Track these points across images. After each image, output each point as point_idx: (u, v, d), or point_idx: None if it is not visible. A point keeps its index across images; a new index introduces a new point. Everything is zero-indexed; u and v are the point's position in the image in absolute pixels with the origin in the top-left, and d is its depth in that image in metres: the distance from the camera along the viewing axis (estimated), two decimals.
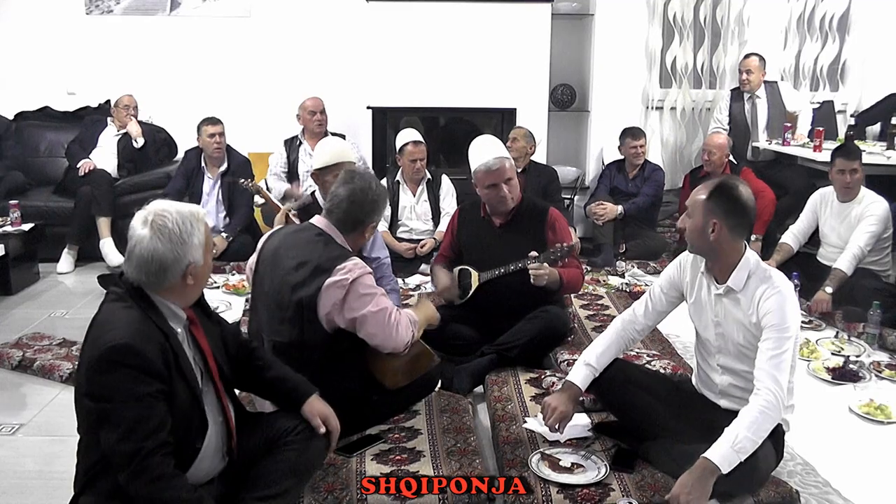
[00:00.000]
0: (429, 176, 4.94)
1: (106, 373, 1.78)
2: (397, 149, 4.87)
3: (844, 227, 4.15)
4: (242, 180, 4.78)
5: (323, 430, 2.15)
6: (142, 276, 1.88)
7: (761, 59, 5.52)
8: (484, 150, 3.37)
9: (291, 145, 5.33)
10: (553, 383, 3.01)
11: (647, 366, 3.12)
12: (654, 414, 2.52)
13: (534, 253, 3.19)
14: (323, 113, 5.30)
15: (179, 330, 1.96)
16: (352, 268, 2.47)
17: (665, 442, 2.43)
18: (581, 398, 2.69)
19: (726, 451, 2.14)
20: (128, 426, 1.76)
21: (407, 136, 4.83)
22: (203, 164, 5.14)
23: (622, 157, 5.51)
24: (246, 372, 2.24)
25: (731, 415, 2.27)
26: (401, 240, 4.88)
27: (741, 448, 2.14)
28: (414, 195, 4.93)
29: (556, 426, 2.49)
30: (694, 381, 2.69)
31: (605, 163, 5.76)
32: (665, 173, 5.64)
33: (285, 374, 2.26)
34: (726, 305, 2.43)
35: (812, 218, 4.37)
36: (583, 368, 2.57)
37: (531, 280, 3.18)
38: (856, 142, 4.92)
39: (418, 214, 4.94)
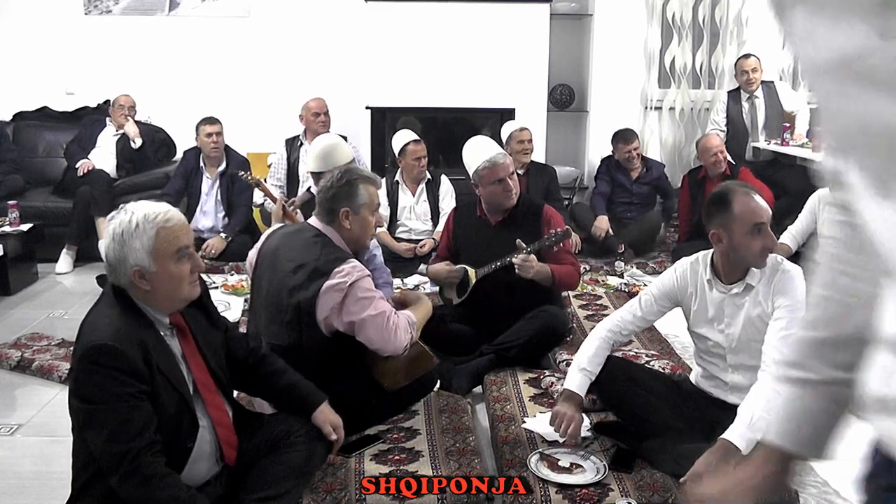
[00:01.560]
0: (429, 176, 4.94)
1: (88, 373, 1.79)
2: (397, 151, 4.86)
3: None
4: (241, 172, 4.79)
5: (333, 437, 2.19)
6: (109, 273, 1.92)
7: (758, 59, 5.53)
8: (483, 149, 3.37)
9: (292, 145, 5.33)
10: (552, 383, 3.01)
11: (645, 366, 3.12)
12: (655, 412, 2.51)
13: (520, 243, 3.18)
14: (326, 114, 5.30)
15: (164, 332, 1.96)
16: (350, 271, 2.46)
17: (665, 441, 2.42)
18: None
19: (744, 431, 2.14)
20: (113, 428, 1.76)
21: (405, 136, 4.83)
22: (202, 164, 5.14)
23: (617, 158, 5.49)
24: (255, 378, 2.25)
25: (736, 411, 2.26)
26: (399, 240, 4.88)
27: (758, 427, 2.13)
28: (413, 195, 4.93)
29: (568, 432, 2.46)
30: (693, 379, 2.69)
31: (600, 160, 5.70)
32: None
33: (297, 382, 2.27)
34: (739, 304, 2.43)
35: (811, 218, 4.36)
36: (578, 374, 2.56)
37: (515, 270, 3.17)
38: None
39: (417, 214, 4.94)
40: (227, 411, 2.09)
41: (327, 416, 2.21)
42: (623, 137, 5.35)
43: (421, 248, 4.78)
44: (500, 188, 3.33)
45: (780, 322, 2.30)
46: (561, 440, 2.54)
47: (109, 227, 1.92)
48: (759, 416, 2.15)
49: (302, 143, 5.29)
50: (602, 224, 5.20)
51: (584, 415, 2.75)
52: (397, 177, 4.94)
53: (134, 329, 1.87)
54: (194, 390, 1.99)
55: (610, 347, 2.63)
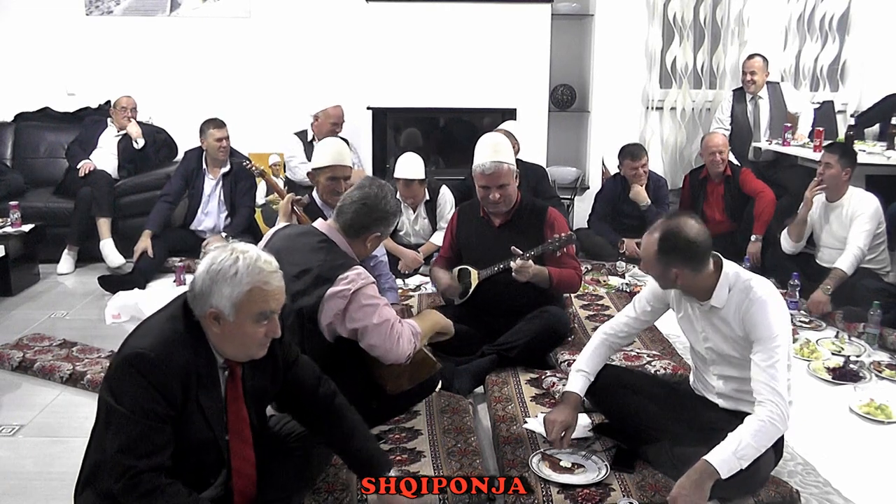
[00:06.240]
0: (427, 197, 4.81)
1: (121, 376, 1.78)
2: (402, 178, 4.62)
3: (836, 225, 4.15)
4: (246, 162, 4.76)
5: None
6: (189, 296, 1.87)
7: (765, 59, 5.52)
8: (487, 151, 3.36)
9: (305, 139, 5.30)
10: (553, 383, 3.01)
11: (646, 366, 3.13)
12: (650, 417, 2.51)
13: (515, 249, 3.19)
14: (341, 126, 5.30)
15: (219, 366, 1.91)
16: (354, 278, 2.45)
17: (664, 444, 2.42)
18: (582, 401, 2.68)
19: (727, 457, 2.12)
20: (129, 440, 1.74)
21: (414, 170, 4.61)
22: (204, 165, 5.13)
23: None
24: (318, 423, 2.14)
25: (730, 414, 2.26)
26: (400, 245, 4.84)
27: (743, 455, 2.13)
28: (413, 211, 4.86)
29: (561, 438, 2.46)
30: (692, 381, 2.69)
31: (605, 175, 5.61)
32: (666, 175, 5.62)
33: (360, 447, 2.14)
34: (712, 321, 2.42)
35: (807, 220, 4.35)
36: (577, 376, 2.57)
37: (512, 274, 3.18)
38: (855, 142, 4.92)
39: (416, 231, 4.88)
40: (252, 463, 2.02)
41: (384, 500, 2.10)
42: (630, 153, 5.06)
43: (419, 250, 4.74)
44: (484, 193, 3.35)
45: (759, 356, 2.25)
46: (549, 442, 2.52)
47: (209, 256, 1.85)
48: (746, 443, 2.14)
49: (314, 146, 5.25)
50: (631, 246, 4.92)
51: (585, 415, 2.76)
52: (397, 195, 4.82)
53: (187, 352, 1.82)
54: (226, 433, 1.93)
55: (608, 348, 2.64)
